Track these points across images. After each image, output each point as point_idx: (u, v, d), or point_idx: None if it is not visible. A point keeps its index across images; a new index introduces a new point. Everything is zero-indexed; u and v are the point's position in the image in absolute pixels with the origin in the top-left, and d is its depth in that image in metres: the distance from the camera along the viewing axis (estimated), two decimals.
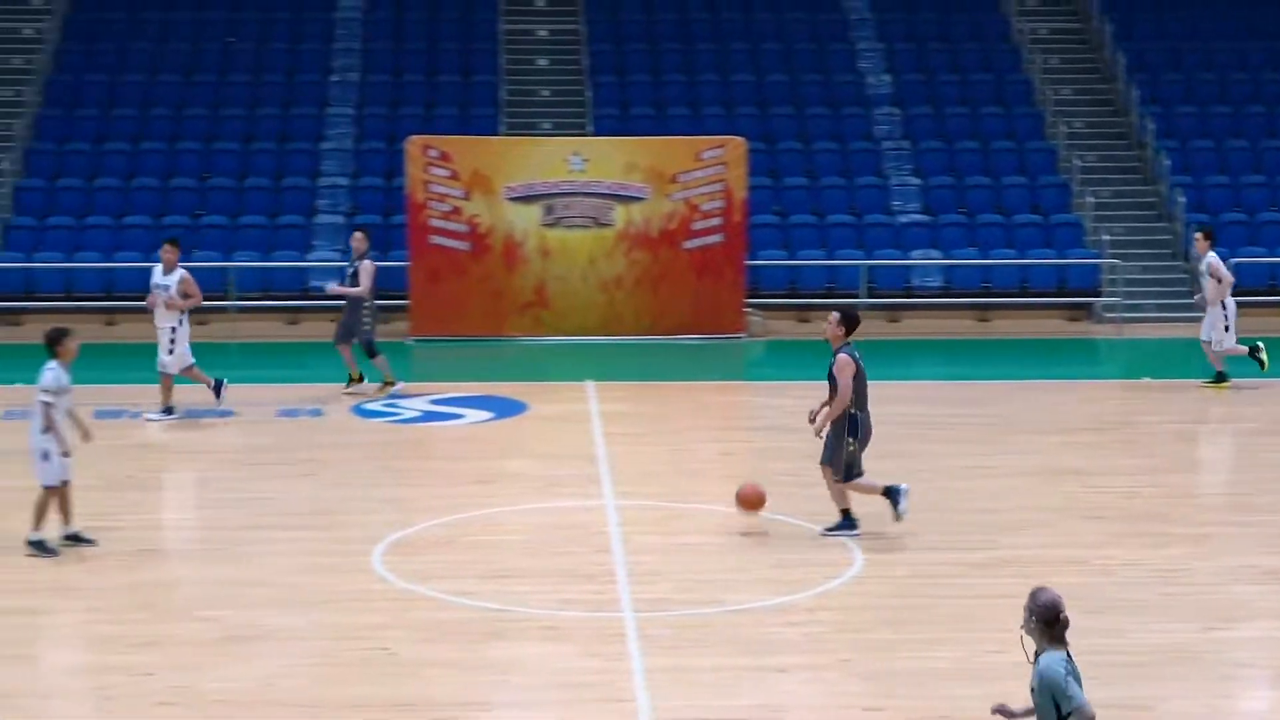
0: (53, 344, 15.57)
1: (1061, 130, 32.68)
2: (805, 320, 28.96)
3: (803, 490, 17.54)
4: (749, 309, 28.23)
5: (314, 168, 31.70)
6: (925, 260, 29.98)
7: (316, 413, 21.78)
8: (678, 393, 23.80)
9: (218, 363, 25.67)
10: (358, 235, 23.20)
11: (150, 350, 26.13)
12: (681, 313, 27.78)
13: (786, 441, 20.18)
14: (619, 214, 27.75)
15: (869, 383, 15.76)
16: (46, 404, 15.30)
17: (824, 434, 15.80)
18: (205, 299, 27.99)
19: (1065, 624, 8.45)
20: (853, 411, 15.59)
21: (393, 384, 22.77)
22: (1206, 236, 23.23)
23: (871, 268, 29.47)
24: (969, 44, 34.92)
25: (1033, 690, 8.40)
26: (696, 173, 27.73)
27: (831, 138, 32.56)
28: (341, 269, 24.70)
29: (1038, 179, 31.79)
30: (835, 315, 15.79)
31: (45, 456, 15.34)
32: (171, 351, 21.38)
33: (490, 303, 27.60)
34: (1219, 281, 22.93)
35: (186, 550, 15.85)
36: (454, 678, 12.44)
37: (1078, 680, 8.42)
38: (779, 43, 34.66)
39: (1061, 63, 34.67)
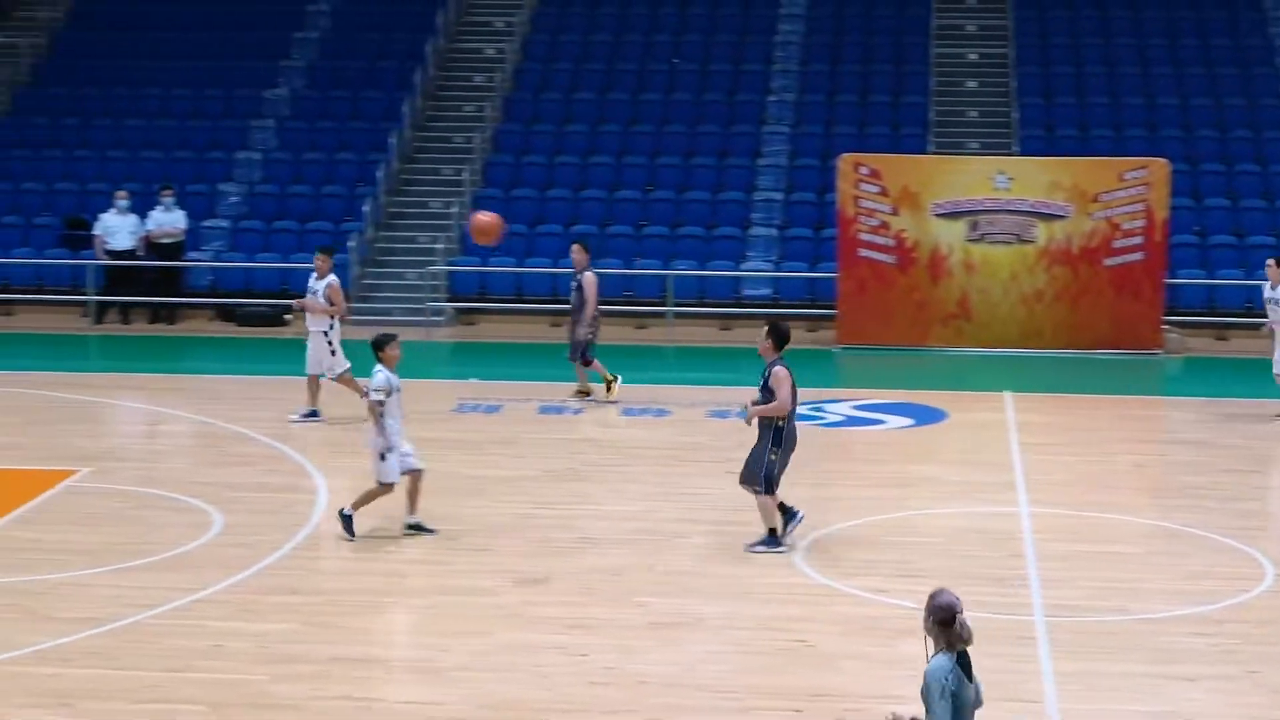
0: (379, 349, 16.25)
1: None
2: (1223, 339, 28.84)
3: (1220, 504, 17.73)
4: (1167, 326, 28.10)
5: (750, 182, 32.40)
6: None
7: (745, 414, 22.50)
8: (1094, 405, 23.73)
9: (654, 365, 26.81)
10: (576, 247, 22.93)
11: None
12: (1099, 328, 27.75)
13: (1202, 455, 20.32)
14: (1041, 231, 27.87)
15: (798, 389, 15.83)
16: (378, 404, 15.95)
17: (754, 424, 15.87)
18: (645, 304, 29.28)
19: (963, 627, 8.44)
20: (779, 424, 15.70)
21: (604, 389, 22.83)
22: (1279, 264, 22.52)
23: None
24: None
25: (922, 693, 8.48)
26: (1119, 192, 27.68)
27: (1254, 160, 32.17)
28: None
29: None
30: (766, 329, 15.86)
31: (382, 456, 16.09)
32: (334, 353, 21.36)
33: (914, 313, 27.98)
34: None
35: (623, 539, 16.27)
36: (868, 671, 12.83)
37: (965, 686, 8.44)
38: (1203, 67, 34.34)
39: None
